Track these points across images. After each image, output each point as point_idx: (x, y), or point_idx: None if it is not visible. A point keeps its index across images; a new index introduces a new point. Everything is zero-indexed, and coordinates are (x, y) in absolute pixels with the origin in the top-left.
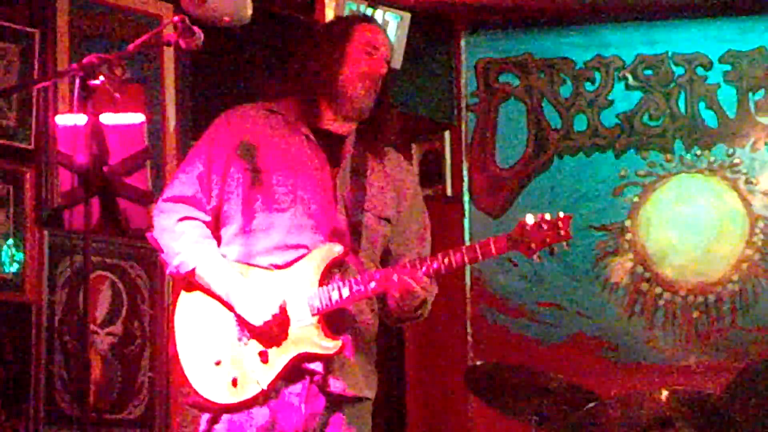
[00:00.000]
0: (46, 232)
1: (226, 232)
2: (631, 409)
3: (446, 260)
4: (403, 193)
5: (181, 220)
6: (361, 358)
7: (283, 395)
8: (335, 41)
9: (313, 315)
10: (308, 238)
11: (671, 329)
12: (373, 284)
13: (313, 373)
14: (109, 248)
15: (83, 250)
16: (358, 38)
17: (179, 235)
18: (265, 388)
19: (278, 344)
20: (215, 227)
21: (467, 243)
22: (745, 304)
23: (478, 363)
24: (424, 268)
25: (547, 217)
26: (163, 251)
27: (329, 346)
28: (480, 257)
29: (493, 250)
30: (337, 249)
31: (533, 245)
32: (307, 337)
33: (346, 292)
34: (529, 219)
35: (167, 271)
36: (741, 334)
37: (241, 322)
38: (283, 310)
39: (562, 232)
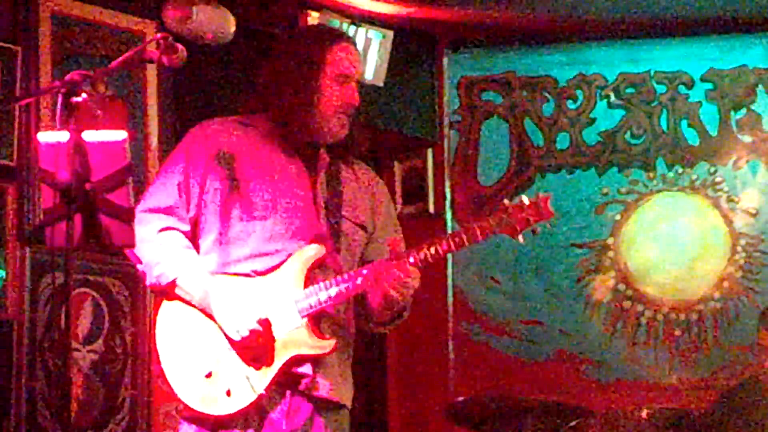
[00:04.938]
0: (27, 249)
1: (204, 242)
2: (612, 427)
3: (432, 249)
4: (377, 204)
5: (161, 231)
6: (342, 364)
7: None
8: (307, 71)
9: (303, 317)
10: (288, 245)
11: (653, 347)
12: (360, 280)
13: (302, 376)
14: (90, 265)
15: (65, 267)
16: (330, 67)
17: (159, 246)
18: (262, 392)
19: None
20: (194, 236)
21: (450, 260)
22: (727, 322)
23: (459, 399)
24: (411, 259)
25: (526, 199)
26: (141, 262)
27: (323, 345)
28: (466, 243)
29: (479, 235)
30: (317, 249)
31: (518, 226)
32: (298, 339)
33: (333, 291)
34: (509, 201)
35: (147, 283)
36: (723, 352)
37: None
38: (264, 325)
39: (544, 212)
